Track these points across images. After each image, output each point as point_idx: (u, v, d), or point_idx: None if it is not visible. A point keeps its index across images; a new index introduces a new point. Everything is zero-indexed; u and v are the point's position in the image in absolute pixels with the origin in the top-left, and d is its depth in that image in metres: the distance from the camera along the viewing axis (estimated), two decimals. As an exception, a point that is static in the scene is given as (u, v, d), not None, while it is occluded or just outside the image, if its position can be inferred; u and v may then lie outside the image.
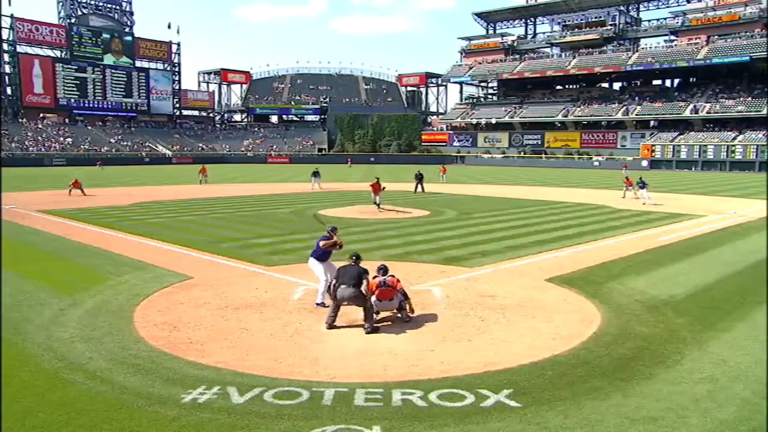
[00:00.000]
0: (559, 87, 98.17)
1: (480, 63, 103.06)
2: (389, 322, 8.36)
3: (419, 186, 32.46)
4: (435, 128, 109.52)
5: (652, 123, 79.01)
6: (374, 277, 8.49)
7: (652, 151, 73.25)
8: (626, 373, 6.61)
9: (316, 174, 35.78)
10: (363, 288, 8.08)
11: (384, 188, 24.05)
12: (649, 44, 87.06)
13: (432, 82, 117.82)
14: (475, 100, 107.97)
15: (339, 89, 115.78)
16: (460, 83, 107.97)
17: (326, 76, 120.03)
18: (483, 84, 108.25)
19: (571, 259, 13.11)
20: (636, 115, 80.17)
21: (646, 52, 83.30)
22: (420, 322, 8.36)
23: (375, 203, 23.19)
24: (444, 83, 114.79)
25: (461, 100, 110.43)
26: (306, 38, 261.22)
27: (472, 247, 14.46)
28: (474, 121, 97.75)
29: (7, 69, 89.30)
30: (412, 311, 8.53)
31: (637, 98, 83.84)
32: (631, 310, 9.04)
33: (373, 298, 8.26)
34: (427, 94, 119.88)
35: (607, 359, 7.01)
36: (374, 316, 8.17)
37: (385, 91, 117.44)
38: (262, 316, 8.62)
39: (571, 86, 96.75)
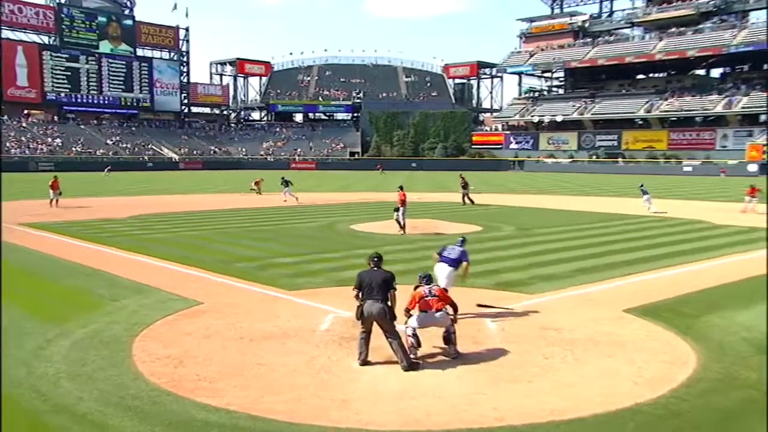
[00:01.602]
0: (641, 76, 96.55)
1: (543, 49, 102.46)
2: (434, 358, 8.28)
3: (467, 196, 32.39)
4: (488, 128, 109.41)
5: (762, 117, 75.24)
6: (416, 287, 8.50)
7: (763, 152, 70.22)
8: (730, 430, 6.37)
9: (286, 183, 34.79)
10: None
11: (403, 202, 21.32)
12: (760, 17, 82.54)
13: (485, 73, 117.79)
14: (536, 94, 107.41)
15: (375, 82, 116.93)
16: (519, 74, 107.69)
17: (360, 66, 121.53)
18: (546, 74, 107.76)
19: (656, 285, 12.78)
20: (741, 108, 77.30)
21: (757, 28, 79.41)
22: (470, 360, 8.26)
23: (397, 221, 20.70)
24: (499, 74, 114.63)
25: (520, 94, 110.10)
26: (336, 22, 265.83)
27: (534, 269, 14.28)
28: (535, 119, 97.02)
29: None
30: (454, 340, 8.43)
31: (743, 87, 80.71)
32: (736, 351, 8.70)
33: (415, 316, 8.23)
34: (478, 87, 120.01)
35: (706, 412, 6.76)
36: (413, 342, 8.10)
37: (429, 84, 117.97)
38: (284, 349, 8.66)
39: (656, 75, 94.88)
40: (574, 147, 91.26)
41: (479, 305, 10.48)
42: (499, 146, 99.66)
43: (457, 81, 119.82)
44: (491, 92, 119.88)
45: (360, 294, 8.07)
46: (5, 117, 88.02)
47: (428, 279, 8.67)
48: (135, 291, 11.98)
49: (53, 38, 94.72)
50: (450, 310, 8.50)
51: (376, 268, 8.20)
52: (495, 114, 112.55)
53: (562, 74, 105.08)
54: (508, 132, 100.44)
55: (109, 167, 74.47)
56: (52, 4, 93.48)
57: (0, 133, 77.43)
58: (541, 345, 8.89)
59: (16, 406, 6.80)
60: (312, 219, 25.57)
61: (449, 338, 8.41)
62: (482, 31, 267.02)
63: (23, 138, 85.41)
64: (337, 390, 7.26)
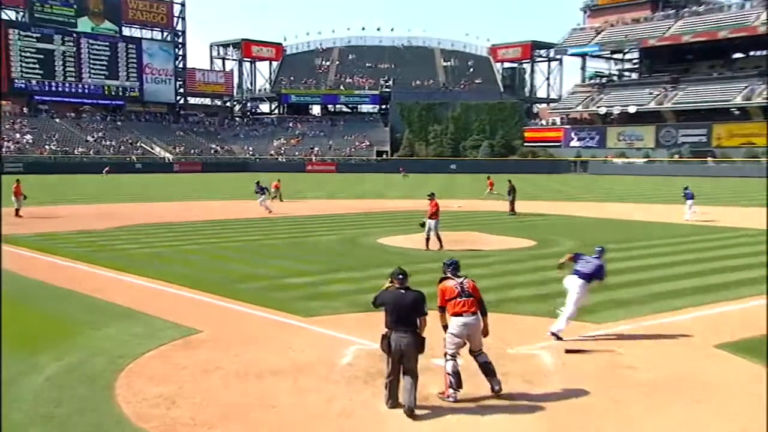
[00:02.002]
0: (738, 55, 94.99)
1: (613, 25, 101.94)
2: (476, 400, 8.22)
3: (512, 204, 32.37)
4: (544, 122, 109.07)
5: None
6: (441, 280, 8.54)
7: None
8: None
9: (261, 190, 34.51)
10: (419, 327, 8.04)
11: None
12: None
13: (540, 56, 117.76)
14: (604, 80, 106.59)
15: (407, 68, 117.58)
16: (583, 55, 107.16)
17: (389, 49, 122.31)
18: (617, 56, 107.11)
19: (757, 315, 12.51)
20: None
21: None
22: (521, 401, 8.19)
23: (427, 237, 20.40)
24: (558, 56, 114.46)
25: (583, 80, 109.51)
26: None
27: (601, 293, 14.01)
28: (602, 111, 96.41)
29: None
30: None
31: None
32: None
33: (451, 336, 8.23)
34: (532, 72, 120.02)
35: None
36: (452, 383, 8.04)
37: (472, 69, 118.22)
38: (297, 388, 8.68)
39: (758, 53, 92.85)
40: (650, 144, 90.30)
41: (569, 351, 10.21)
42: (557, 144, 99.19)
43: (507, 65, 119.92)
44: (548, 78, 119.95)
45: (388, 320, 8.00)
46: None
47: (455, 267, 8.63)
48: (120, 317, 12.12)
49: (22, 14, 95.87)
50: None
51: (402, 290, 8.11)
52: (552, 105, 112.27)
53: (636, 55, 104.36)
54: (568, 126, 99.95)
55: (107, 168, 76.15)
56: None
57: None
58: (611, 386, 8.78)
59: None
60: (332, 231, 25.67)
61: (487, 368, 8.35)
62: (537, 4, 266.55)
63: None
64: (360, 439, 7.24)
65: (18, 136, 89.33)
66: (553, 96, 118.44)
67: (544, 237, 23.55)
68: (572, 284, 10.76)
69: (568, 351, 10.20)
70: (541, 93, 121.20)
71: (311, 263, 18.13)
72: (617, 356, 10.03)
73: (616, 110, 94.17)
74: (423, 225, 20.62)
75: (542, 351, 10.24)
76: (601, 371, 9.37)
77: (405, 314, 7.89)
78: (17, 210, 29.57)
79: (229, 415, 7.82)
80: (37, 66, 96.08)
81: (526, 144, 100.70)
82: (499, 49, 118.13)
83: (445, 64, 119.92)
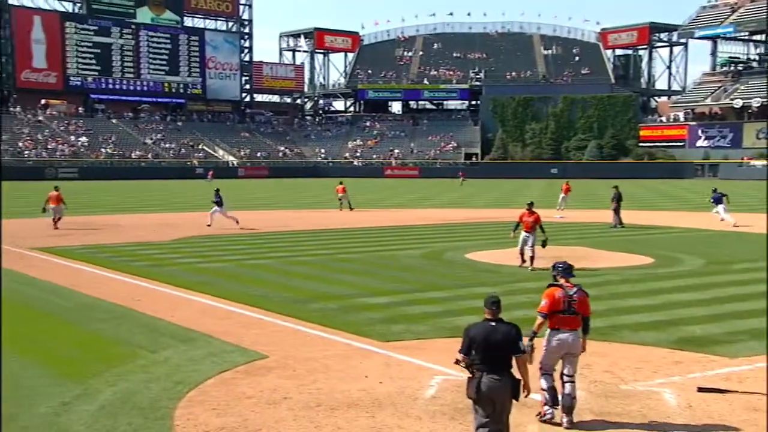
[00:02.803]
0: None
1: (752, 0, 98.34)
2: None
3: (617, 213, 31.60)
4: (664, 118, 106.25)
5: None
6: (549, 286, 8.58)
7: None
8: None
9: (218, 200, 31.42)
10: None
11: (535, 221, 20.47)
12: None
13: (660, 40, 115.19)
14: (740, 68, 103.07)
15: (501, 57, 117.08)
16: (714, 38, 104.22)
17: (480, 36, 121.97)
18: (757, 37, 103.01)
19: None
20: None
21: None
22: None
23: (521, 252, 20.30)
24: (682, 40, 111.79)
25: (713, 68, 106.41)
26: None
27: (733, 321, 13.76)
28: (737, 104, 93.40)
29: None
30: None
31: None
32: None
33: (546, 347, 8.30)
34: (650, 59, 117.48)
35: None
36: (547, 400, 7.99)
37: (577, 58, 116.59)
38: (374, 424, 8.69)
39: None
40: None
41: (702, 389, 9.92)
42: (681, 143, 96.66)
43: (619, 52, 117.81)
44: (669, 67, 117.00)
45: (473, 359, 7.45)
46: (18, 109, 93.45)
47: (568, 271, 8.67)
48: (180, 339, 12.43)
49: (79, 5, 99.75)
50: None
51: (493, 322, 7.58)
52: (675, 98, 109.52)
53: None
54: (694, 123, 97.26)
55: (211, 172, 78.30)
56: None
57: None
58: (750, 434, 8.49)
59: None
60: (413, 245, 25.71)
61: (570, 402, 8.34)
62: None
63: (40, 136, 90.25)
64: (448, 485, 7.23)
65: (72, 138, 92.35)
66: (675, 87, 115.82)
67: (664, 254, 23.06)
68: None
69: (701, 389, 9.88)
70: (660, 84, 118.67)
71: (390, 281, 18.18)
72: (756, 399, 9.64)
73: (755, 102, 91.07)
74: (515, 230, 20.50)
75: (663, 388, 9.97)
76: (735, 415, 9.03)
77: (497, 353, 7.34)
78: (55, 220, 29.74)
79: (299, 453, 7.93)
80: (93, 62, 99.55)
81: (641, 144, 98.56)
82: (611, 33, 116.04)
83: (545, 52, 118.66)
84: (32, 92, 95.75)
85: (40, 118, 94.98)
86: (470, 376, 7.38)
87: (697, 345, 12.14)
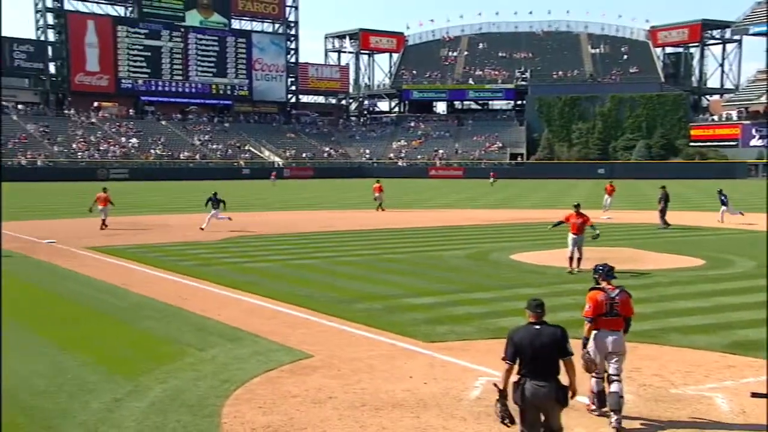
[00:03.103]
0: None
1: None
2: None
3: (662, 213, 31.13)
4: (716, 116, 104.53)
5: None
6: (591, 289, 8.61)
7: None
8: None
9: (216, 202, 30.78)
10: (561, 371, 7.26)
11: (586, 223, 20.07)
12: None
13: (713, 37, 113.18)
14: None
15: (547, 57, 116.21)
16: None
17: (526, 35, 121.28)
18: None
19: None
20: None
21: None
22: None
23: (570, 258, 19.81)
24: (736, 37, 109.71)
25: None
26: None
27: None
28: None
29: (51, 36, 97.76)
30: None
31: None
32: None
33: (593, 346, 8.32)
34: (702, 57, 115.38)
35: None
36: (594, 403, 8.01)
37: (626, 56, 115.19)
38: (419, 424, 8.71)
39: None
40: None
41: (755, 395, 9.68)
42: (734, 142, 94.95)
43: (669, 50, 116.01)
44: (722, 64, 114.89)
45: (517, 363, 7.22)
46: (72, 111, 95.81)
47: (609, 273, 8.70)
48: (227, 338, 12.59)
49: (131, 9, 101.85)
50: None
51: (537, 325, 7.33)
52: (727, 96, 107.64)
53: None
54: (747, 122, 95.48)
55: (274, 173, 79.46)
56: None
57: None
58: (801, 439, 8.29)
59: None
60: (459, 245, 25.69)
61: (617, 401, 8.29)
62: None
63: (92, 137, 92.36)
64: (494, 486, 7.21)
65: (123, 140, 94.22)
66: (728, 85, 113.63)
67: (715, 255, 22.74)
68: None
69: (754, 395, 9.64)
70: (712, 82, 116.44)
71: (435, 281, 18.19)
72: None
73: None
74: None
75: (715, 393, 9.81)
76: (787, 419, 8.87)
77: (542, 357, 7.08)
78: (103, 221, 29.97)
79: (345, 452, 7.97)
80: (144, 64, 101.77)
81: (692, 144, 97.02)
82: (661, 31, 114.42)
83: (593, 51, 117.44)
84: (85, 95, 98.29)
85: (93, 120, 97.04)
86: (516, 381, 7.16)
87: (750, 349, 11.91)
